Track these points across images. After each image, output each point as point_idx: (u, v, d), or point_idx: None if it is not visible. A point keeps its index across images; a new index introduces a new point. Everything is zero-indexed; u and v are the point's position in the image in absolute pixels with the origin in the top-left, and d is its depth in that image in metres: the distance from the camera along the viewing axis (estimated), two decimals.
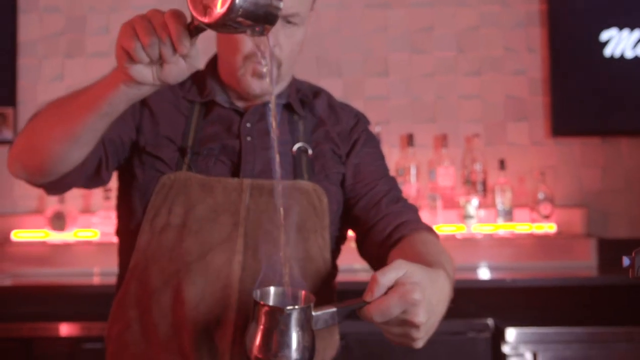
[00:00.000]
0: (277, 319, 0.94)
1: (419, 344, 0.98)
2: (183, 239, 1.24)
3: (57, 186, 1.26)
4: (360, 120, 1.43)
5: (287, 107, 1.38)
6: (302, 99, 1.40)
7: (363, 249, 1.34)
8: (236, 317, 1.21)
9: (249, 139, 1.32)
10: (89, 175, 1.28)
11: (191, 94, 1.37)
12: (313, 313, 0.96)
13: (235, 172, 1.30)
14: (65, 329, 2.39)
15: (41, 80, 3.20)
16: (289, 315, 0.94)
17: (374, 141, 1.43)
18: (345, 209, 1.36)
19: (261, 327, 0.95)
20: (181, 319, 1.22)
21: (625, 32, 3.15)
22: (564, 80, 3.16)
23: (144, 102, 1.33)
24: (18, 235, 2.99)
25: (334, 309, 0.97)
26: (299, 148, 1.33)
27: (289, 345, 0.95)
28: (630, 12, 3.18)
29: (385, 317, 0.93)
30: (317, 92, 1.45)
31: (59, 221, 2.96)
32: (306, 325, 0.95)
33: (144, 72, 0.96)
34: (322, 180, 1.32)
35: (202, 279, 1.22)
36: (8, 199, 3.13)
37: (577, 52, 3.17)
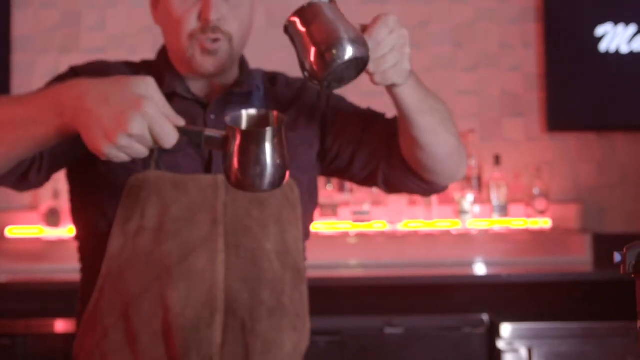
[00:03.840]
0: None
1: (408, 64, 1.14)
2: (161, 242, 1.19)
3: None
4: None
5: (249, 97, 1.33)
6: (263, 88, 1.36)
7: (380, 175, 1.36)
8: (224, 318, 1.19)
9: None
10: (15, 179, 1.19)
11: None
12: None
13: (207, 167, 1.26)
14: (60, 326, 2.38)
15: (35, 76, 3.17)
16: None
17: (337, 96, 1.41)
18: (340, 151, 1.36)
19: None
20: (167, 325, 1.18)
21: (621, 27, 3.14)
22: (560, 76, 3.15)
23: None
24: (12, 232, 2.98)
25: None
26: None
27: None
28: (625, 7, 3.17)
29: (378, 40, 1.09)
30: (274, 77, 1.41)
31: (53, 217, 2.95)
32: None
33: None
34: (292, 169, 1.30)
35: (186, 283, 1.18)
36: (1, 195, 3.10)
37: (572, 47, 3.16)
